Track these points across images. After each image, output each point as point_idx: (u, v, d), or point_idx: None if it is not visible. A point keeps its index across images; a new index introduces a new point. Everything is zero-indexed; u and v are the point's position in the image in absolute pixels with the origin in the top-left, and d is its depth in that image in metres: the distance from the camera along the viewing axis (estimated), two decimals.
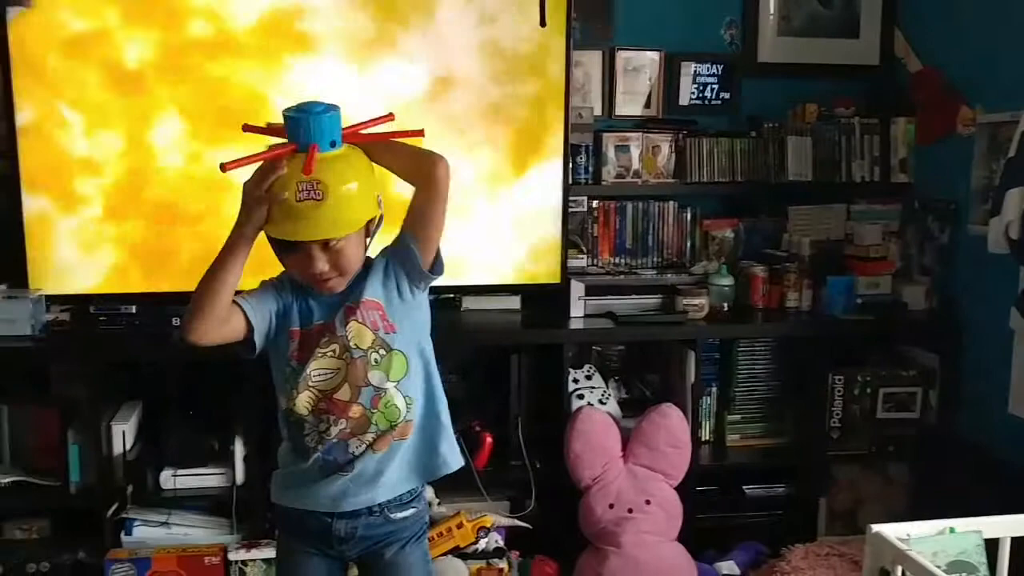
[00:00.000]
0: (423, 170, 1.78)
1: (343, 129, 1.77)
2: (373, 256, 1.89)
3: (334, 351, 1.82)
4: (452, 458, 1.95)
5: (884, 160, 3.36)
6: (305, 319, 1.85)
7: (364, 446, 1.86)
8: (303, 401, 1.83)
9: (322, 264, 1.76)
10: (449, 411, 1.96)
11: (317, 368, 1.82)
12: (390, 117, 1.87)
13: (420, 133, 1.82)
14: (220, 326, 1.77)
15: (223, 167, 1.70)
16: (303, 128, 1.71)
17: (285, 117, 1.74)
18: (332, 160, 1.72)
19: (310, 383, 1.82)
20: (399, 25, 2.87)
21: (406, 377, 1.86)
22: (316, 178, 1.68)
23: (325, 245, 1.74)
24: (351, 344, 1.81)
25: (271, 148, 1.75)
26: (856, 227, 3.31)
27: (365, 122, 1.83)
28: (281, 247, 1.78)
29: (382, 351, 1.83)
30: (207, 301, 1.75)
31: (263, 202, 1.71)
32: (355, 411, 1.83)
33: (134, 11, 2.75)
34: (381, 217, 1.84)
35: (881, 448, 3.14)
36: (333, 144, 1.74)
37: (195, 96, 2.81)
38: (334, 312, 1.84)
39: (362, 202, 1.76)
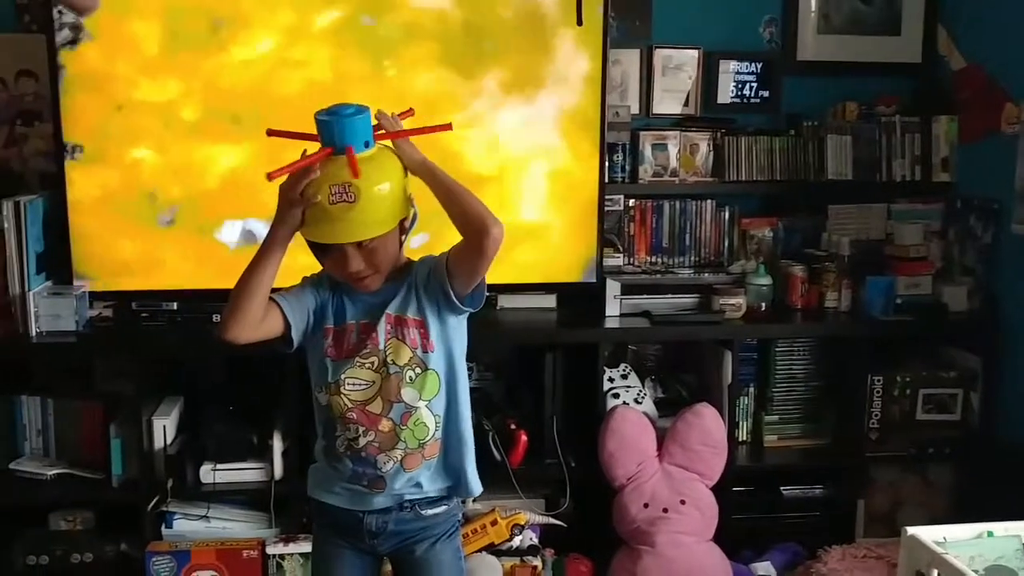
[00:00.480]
0: (475, 227, 1.75)
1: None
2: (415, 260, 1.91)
3: (372, 364, 1.85)
4: (475, 484, 1.97)
5: (925, 159, 3.31)
6: (339, 317, 1.88)
7: (393, 464, 1.87)
8: (336, 403, 1.86)
9: (358, 263, 1.78)
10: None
11: (353, 377, 1.85)
12: (410, 112, 1.89)
13: (448, 127, 1.83)
14: (256, 325, 1.81)
15: (269, 176, 1.73)
16: (335, 131, 1.73)
17: (316, 120, 1.76)
18: (363, 162, 1.73)
19: (343, 389, 1.85)
20: (436, 20, 2.88)
21: (437, 397, 1.88)
22: (348, 180, 1.71)
23: (360, 244, 1.77)
24: (388, 359, 1.84)
25: (304, 154, 1.77)
26: (896, 227, 3.27)
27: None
28: (318, 248, 1.81)
29: (418, 369, 1.85)
30: (243, 301, 1.79)
31: (297, 204, 1.74)
32: (385, 425, 1.85)
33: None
34: (415, 215, 1.86)
35: (921, 450, 3.10)
36: (367, 144, 1.76)
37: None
38: (372, 317, 1.86)
39: (394, 202, 1.78)
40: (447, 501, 1.97)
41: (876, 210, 3.34)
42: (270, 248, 1.79)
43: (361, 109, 1.76)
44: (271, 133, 1.84)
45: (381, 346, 1.84)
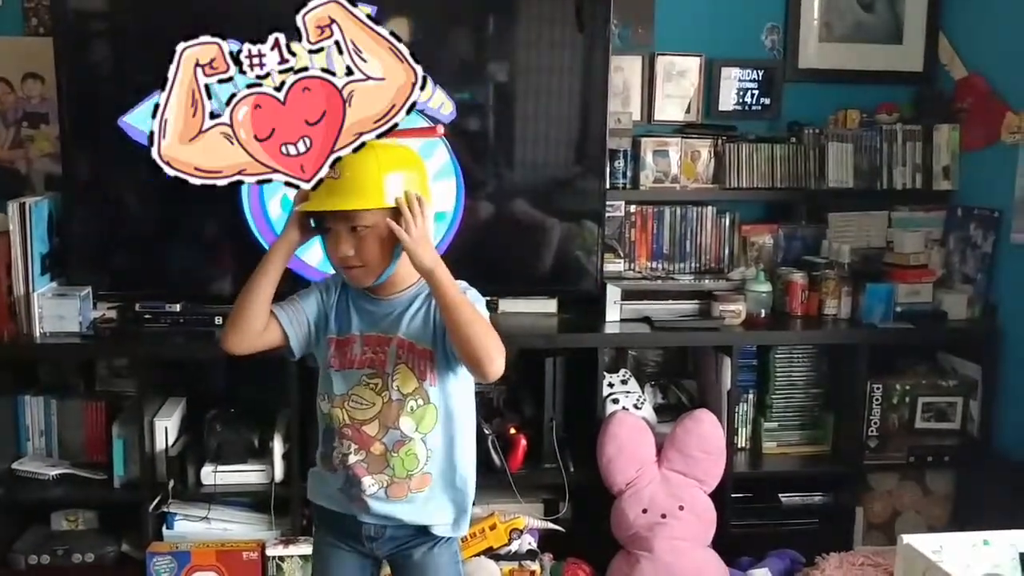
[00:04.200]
0: (472, 361, 1.73)
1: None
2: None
3: (376, 386, 1.84)
4: (464, 526, 1.96)
5: (926, 167, 3.32)
6: (342, 327, 1.88)
7: (378, 488, 1.86)
8: (336, 415, 1.86)
9: (346, 248, 1.77)
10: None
11: (356, 394, 1.85)
12: (434, 131, 1.92)
13: (434, 131, 1.88)
14: (255, 337, 1.83)
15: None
16: None
17: None
18: (363, 147, 1.81)
19: (347, 405, 1.85)
20: (441, 25, 2.91)
21: (433, 432, 1.86)
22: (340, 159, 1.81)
23: (352, 230, 1.77)
24: (394, 385, 1.83)
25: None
26: (897, 234, 3.28)
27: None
28: (320, 230, 1.83)
29: (420, 400, 1.84)
30: (241, 313, 1.82)
31: (294, 220, 1.82)
32: (377, 448, 1.84)
33: None
34: None
35: (919, 458, 3.11)
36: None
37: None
38: (379, 331, 1.85)
39: (377, 186, 1.77)
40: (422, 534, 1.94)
41: (877, 218, 3.35)
42: (267, 261, 1.82)
43: None
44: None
45: (388, 369, 1.83)
